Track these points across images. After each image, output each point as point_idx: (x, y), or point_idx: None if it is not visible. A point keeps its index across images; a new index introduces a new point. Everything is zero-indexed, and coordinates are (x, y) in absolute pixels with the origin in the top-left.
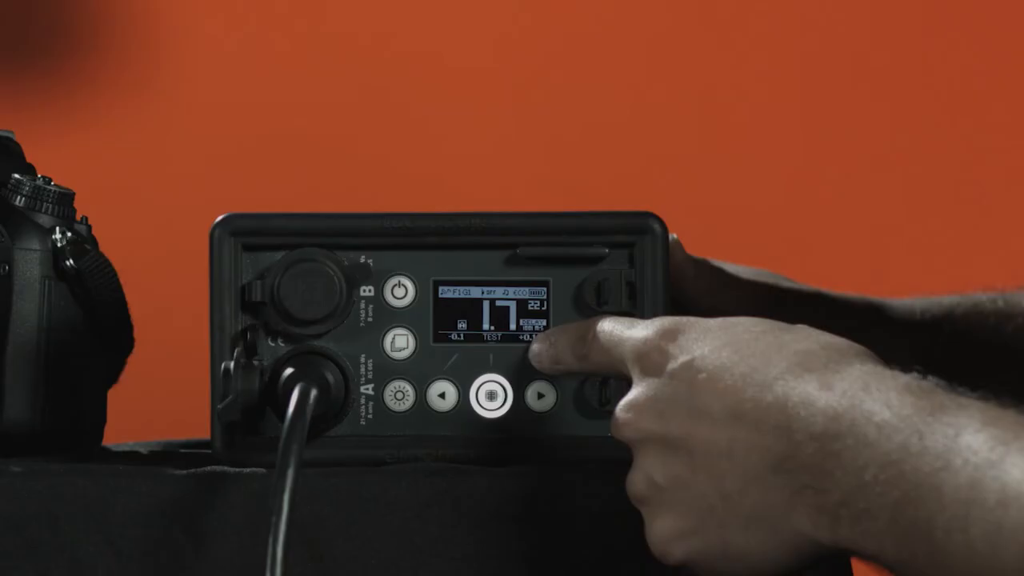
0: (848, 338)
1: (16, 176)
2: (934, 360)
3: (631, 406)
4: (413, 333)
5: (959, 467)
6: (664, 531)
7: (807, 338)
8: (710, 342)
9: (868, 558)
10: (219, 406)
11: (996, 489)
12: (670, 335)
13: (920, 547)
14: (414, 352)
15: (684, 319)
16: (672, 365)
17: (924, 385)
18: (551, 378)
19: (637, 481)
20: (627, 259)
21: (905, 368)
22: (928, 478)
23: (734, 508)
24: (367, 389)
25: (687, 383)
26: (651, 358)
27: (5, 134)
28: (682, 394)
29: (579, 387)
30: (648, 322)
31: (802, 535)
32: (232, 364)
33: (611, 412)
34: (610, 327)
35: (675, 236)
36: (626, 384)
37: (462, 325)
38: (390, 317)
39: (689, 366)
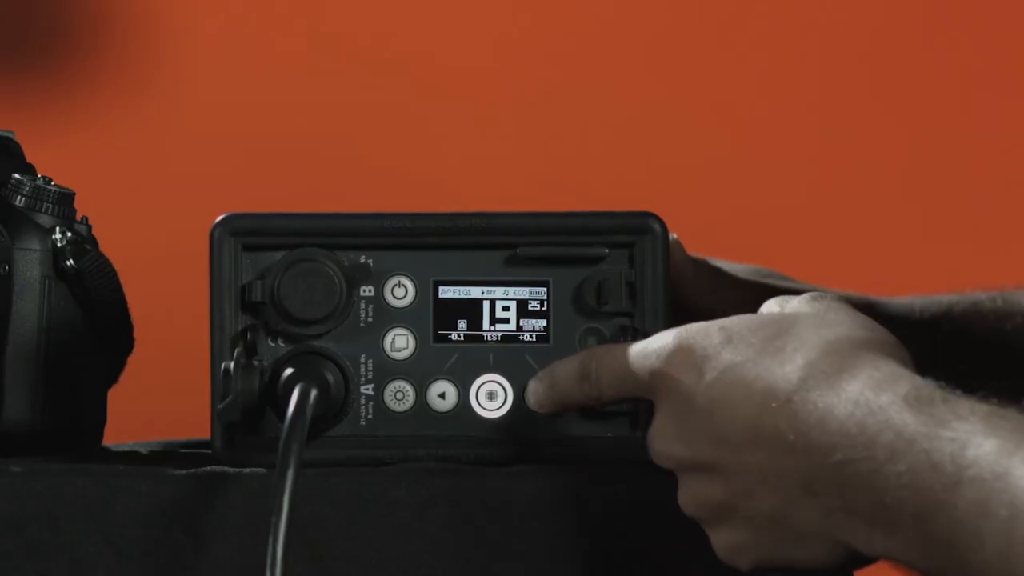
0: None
1: (16, 176)
2: (932, 358)
3: (657, 436)
4: (413, 333)
5: (967, 482)
6: (727, 545)
7: (809, 339)
8: (719, 359)
9: (906, 568)
10: (219, 406)
11: (1005, 503)
12: (677, 357)
13: (943, 560)
14: (414, 352)
15: (689, 336)
16: (687, 392)
17: (924, 394)
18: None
19: (687, 503)
20: (627, 259)
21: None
22: (939, 496)
23: (781, 526)
24: (367, 389)
25: (704, 410)
26: (666, 385)
27: (5, 134)
28: (702, 422)
29: None
30: (651, 347)
31: (841, 549)
32: (232, 364)
33: (610, 412)
34: (612, 358)
35: (675, 236)
36: (647, 405)
37: (462, 325)
38: (390, 317)
39: (704, 392)
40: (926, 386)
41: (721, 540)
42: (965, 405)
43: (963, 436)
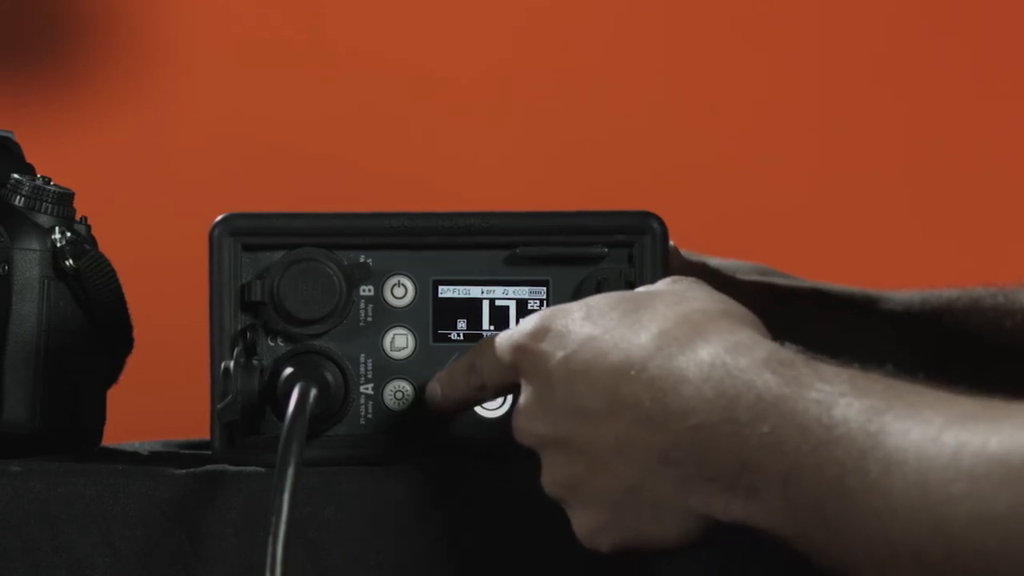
0: (845, 332)
1: (16, 176)
2: (932, 354)
3: (520, 413)
4: (413, 333)
5: (836, 441)
6: (586, 526)
7: (665, 312)
8: (577, 333)
9: (768, 534)
10: (219, 406)
11: (878, 459)
12: (539, 334)
13: (812, 523)
14: (414, 352)
15: (550, 313)
16: (548, 364)
17: (784, 357)
18: None
19: (547, 483)
20: (627, 259)
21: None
22: (807, 457)
23: (638, 499)
24: (367, 389)
25: (565, 383)
26: (528, 361)
27: (5, 134)
28: (562, 394)
29: None
30: (517, 329)
31: (706, 515)
32: (232, 364)
33: None
34: (490, 346)
35: (671, 243)
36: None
37: (462, 325)
38: (390, 317)
39: (564, 364)
40: (785, 350)
41: (581, 521)
42: (828, 369)
43: (829, 398)
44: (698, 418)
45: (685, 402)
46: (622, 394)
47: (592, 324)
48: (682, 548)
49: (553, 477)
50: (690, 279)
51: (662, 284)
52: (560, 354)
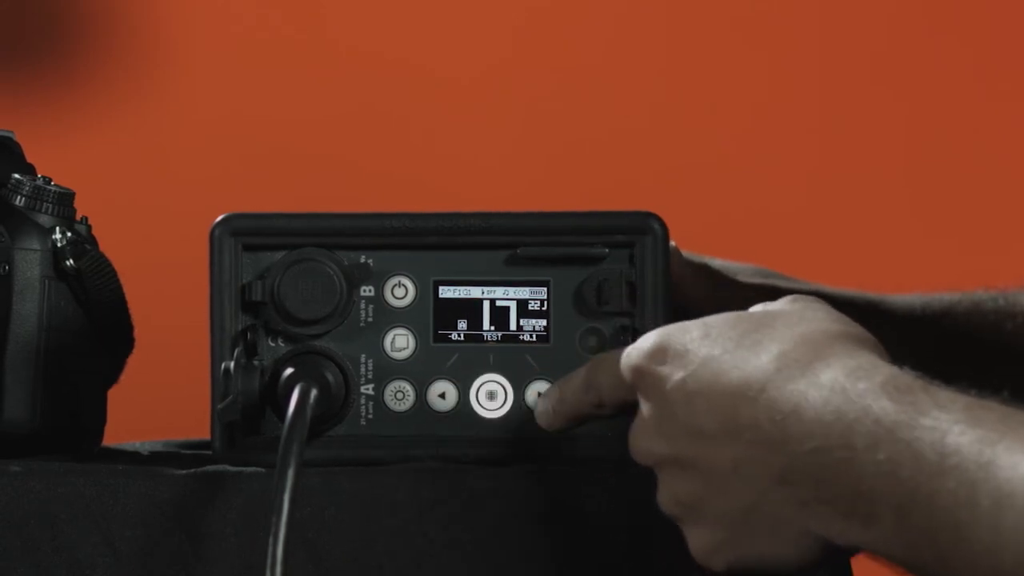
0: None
1: (16, 176)
2: (933, 357)
3: (638, 432)
4: (413, 333)
5: (950, 471)
6: (702, 545)
7: (784, 333)
8: (696, 353)
9: (885, 562)
10: (219, 406)
11: (988, 492)
12: (657, 355)
13: (926, 551)
14: (414, 352)
15: (668, 333)
16: (666, 386)
17: (902, 383)
18: (551, 378)
19: (664, 501)
20: (627, 259)
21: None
22: (921, 486)
23: (755, 520)
24: (367, 389)
25: (683, 404)
26: (646, 382)
27: (5, 134)
28: (680, 415)
29: None
30: (635, 347)
31: (817, 541)
32: (232, 364)
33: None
34: (608, 363)
35: (672, 243)
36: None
37: (462, 325)
38: (390, 317)
39: (682, 385)
40: (904, 375)
41: (696, 539)
42: (944, 395)
43: (944, 425)
44: (816, 442)
45: (804, 426)
46: (741, 415)
47: (711, 344)
48: (801, 570)
49: (670, 496)
50: (809, 298)
51: (781, 303)
52: (678, 375)
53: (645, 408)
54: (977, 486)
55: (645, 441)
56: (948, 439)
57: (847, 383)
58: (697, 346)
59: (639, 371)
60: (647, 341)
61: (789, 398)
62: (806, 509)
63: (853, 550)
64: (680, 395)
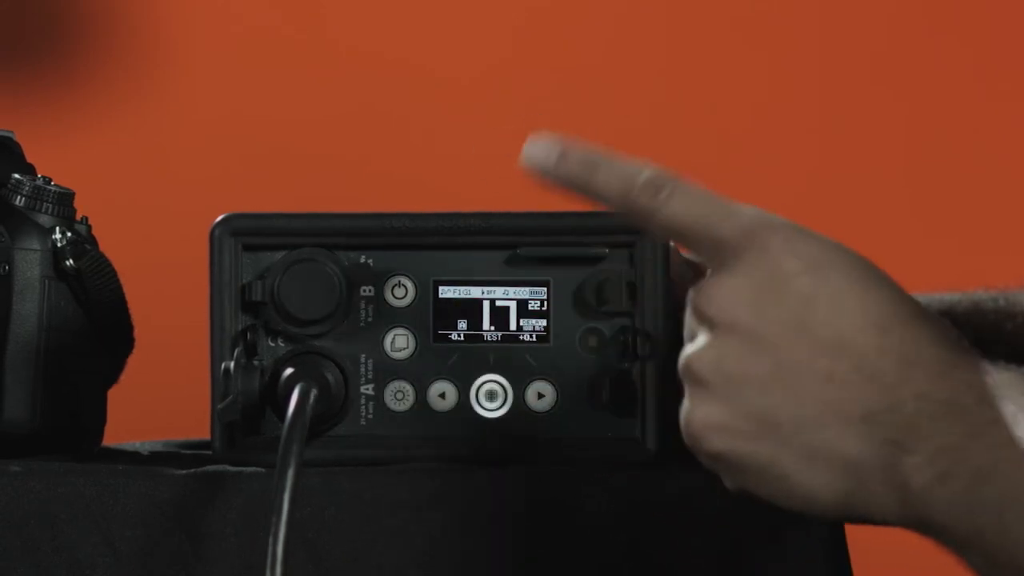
0: None
1: (16, 176)
2: None
3: (726, 285)
4: (413, 333)
5: None
6: (710, 419)
7: (902, 293)
8: (840, 262)
9: (933, 530)
10: (219, 406)
11: None
12: (785, 236)
13: (988, 523)
14: (414, 352)
15: (796, 224)
16: (792, 265)
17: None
18: (551, 378)
19: (705, 359)
20: (627, 259)
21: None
22: (1005, 452)
23: (804, 436)
24: (367, 389)
25: (807, 294)
26: (768, 251)
27: (5, 134)
28: (795, 299)
29: (579, 387)
30: (749, 210)
31: (867, 489)
32: (232, 364)
33: (609, 412)
34: (698, 192)
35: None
36: (695, 276)
37: (462, 325)
38: (390, 317)
39: (814, 275)
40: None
41: (707, 412)
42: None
43: None
44: (929, 389)
45: (924, 368)
46: (869, 338)
47: (859, 266)
48: (805, 510)
49: (716, 358)
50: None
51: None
52: (816, 262)
53: (749, 269)
54: None
55: (731, 294)
56: None
57: (961, 345)
58: (843, 256)
59: (753, 236)
60: (773, 216)
61: (917, 342)
62: (877, 450)
63: (873, 519)
64: (808, 283)
